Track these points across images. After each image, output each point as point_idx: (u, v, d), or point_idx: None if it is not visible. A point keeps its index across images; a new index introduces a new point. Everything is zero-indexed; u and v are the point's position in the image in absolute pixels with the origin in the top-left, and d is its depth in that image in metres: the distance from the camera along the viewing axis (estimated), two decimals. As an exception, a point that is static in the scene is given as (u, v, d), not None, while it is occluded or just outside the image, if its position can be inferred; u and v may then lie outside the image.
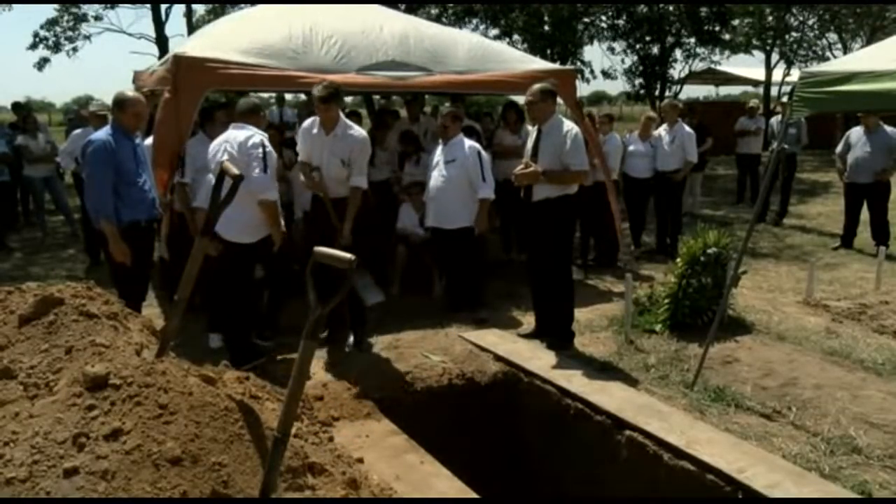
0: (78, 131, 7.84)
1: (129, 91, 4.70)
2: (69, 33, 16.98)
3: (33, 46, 16.85)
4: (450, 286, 5.79)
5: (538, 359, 4.50)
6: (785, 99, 13.71)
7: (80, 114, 9.74)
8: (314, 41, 5.61)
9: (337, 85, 4.54)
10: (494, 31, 17.79)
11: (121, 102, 4.46)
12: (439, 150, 5.68)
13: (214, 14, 18.46)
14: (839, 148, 8.27)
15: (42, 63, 17.07)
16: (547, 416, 4.16)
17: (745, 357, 4.56)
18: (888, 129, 7.87)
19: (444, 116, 5.73)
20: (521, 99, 5.99)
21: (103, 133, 4.43)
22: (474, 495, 3.14)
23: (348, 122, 4.61)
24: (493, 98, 13.55)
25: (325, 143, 4.52)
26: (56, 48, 16.98)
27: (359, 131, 4.61)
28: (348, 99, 11.66)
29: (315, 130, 4.58)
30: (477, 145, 5.66)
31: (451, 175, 5.49)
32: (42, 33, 16.80)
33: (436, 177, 5.60)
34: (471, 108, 11.35)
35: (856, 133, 8.07)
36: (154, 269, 4.99)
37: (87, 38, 17.40)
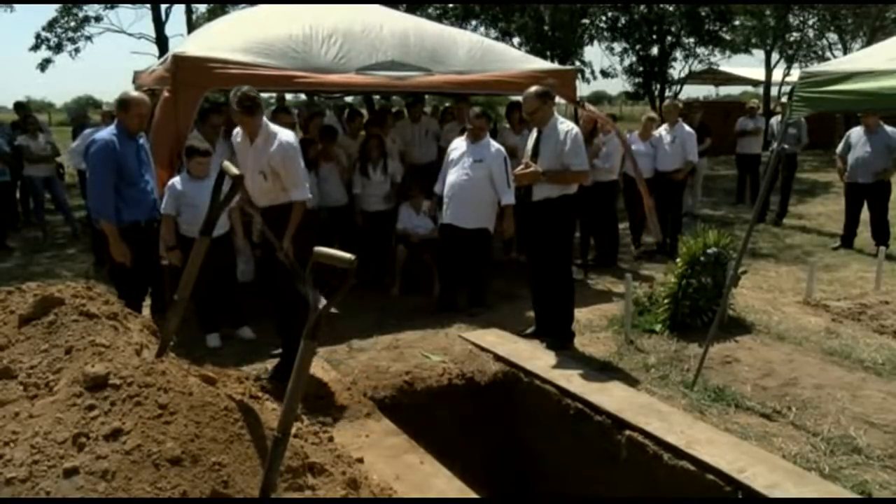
0: (89, 130, 7.88)
1: (134, 92, 4.70)
2: (70, 34, 16.97)
3: (35, 48, 16.86)
4: (444, 285, 5.79)
5: (538, 359, 4.50)
6: (785, 99, 13.70)
7: (81, 113, 9.78)
8: (314, 41, 5.61)
9: (256, 93, 4.13)
10: (494, 34, 17.79)
11: (124, 103, 4.45)
12: (464, 147, 5.61)
13: (214, 14, 18.46)
14: (839, 148, 8.28)
15: (45, 64, 17.07)
16: (547, 416, 4.16)
17: (745, 357, 4.56)
18: (888, 129, 7.87)
19: (477, 118, 5.60)
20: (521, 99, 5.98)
21: (106, 133, 4.42)
22: (474, 495, 3.14)
23: (274, 128, 4.23)
24: (492, 98, 13.54)
25: (249, 153, 4.22)
26: (58, 49, 16.98)
27: (282, 139, 4.14)
28: (348, 99, 11.67)
29: (240, 139, 4.33)
30: (503, 149, 5.63)
31: (476, 175, 5.45)
32: (44, 34, 16.81)
33: (458, 174, 5.53)
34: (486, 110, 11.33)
35: (856, 133, 8.07)
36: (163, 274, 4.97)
37: (89, 38, 17.41)
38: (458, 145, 5.69)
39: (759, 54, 24.55)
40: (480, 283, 5.74)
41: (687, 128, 7.77)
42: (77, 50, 17.23)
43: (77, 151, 7.94)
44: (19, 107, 11.01)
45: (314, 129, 6.85)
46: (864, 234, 8.11)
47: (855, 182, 8.02)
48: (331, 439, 2.93)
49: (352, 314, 5.33)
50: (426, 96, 9.54)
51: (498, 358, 4.58)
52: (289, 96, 13.95)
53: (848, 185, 8.17)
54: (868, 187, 7.89)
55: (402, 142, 7.51)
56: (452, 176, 5.58)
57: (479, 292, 5.71)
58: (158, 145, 4.97)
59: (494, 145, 5.61)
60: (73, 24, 16.91)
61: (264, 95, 5.17)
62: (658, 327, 5.03)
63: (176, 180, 4.82)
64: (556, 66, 7.63)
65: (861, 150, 7.92)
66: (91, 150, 4.38)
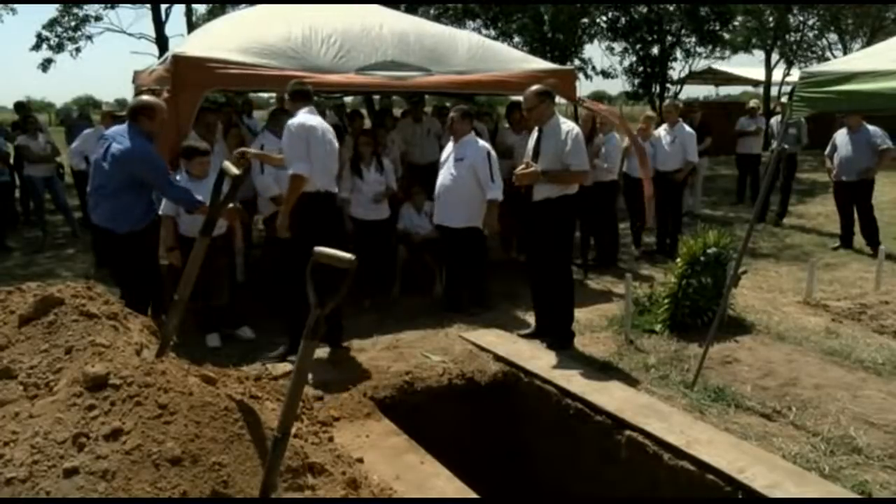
0: (89, 131, 7.91)
1: (149, 97, 4.67)
2: (70, 33, 16.96)
3: (36, 47, 16.84)
4: (449, 285, 5.79)
5: (538, 359, 4.50)
6: (785, 99, 13.71)
7: (70, 115, 9.83)
8: (314, 41, 5.61)
9: (299, 83, 4.72)
10: (493, 33, 17.79)
11: (149, 108, 4.37)
12: (450, 147, 5.62)
13: (214, 14, 18.45)
14: (828, 149, 8.36)
15: (46, 64, 17.07)
16: (547, 416, 4.16)
17: (745, 357, 4.56)
18: (871, 128, 7.94)
19: (453, 113, 5.59)
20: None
21: (137, 139, 4.28)
22: (474, 495, 3.14)
23: (298, 114, 4.59)
24: (493, 98, 13.54)
25: None
26: (59, 48, 16.97)
27: (289, 122, 4.56)
28: (348, 99, 11.66)
29: None
30: (487, 145, 5.61)
31: (460, 174, 5.44)
32: (44, 34, 16.80)
33: (444, 174, 5.55)
34: (470, 109, 11.30)
35: (841, 133, 8.16)
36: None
37: (89, 38, 17.39)
38: (448, 146, 5.71)
39: (759, 54, 24.56)
40: (479, 282, 5.73)
41: (687, 128, 7.77)
42: (78, 50, 17.24)
43: (77, 151, 7.94)
44: (19, 107, 11.04)
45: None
46: (862, 234, 8.12)
47: (840, 181, 8.08)
48: (331, 439, 2.93)
49: (352, 314, 5.33)
50: (426, 96, 9.52)
51: (498, 358, 4.58)
52: (289, 96, 13.91)
53: (835, 184, 8.25)
54: (853, 185, 7.94)
55: (401, 142, 7.50)
56: (440, 176, 5.61)
57: (478, 292, 5.70)
58: (158, 145, 4.97)
59: (478, 142, 5.57)
60: (73, 23, 16.90)
61: (264, 96, 5.21)
62: (658, 327, 5.02)
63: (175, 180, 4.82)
64: (555, 66, 7.62)
65: (845, 150, 7.99)
66: (139, 156, 4.25)
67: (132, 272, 4.43)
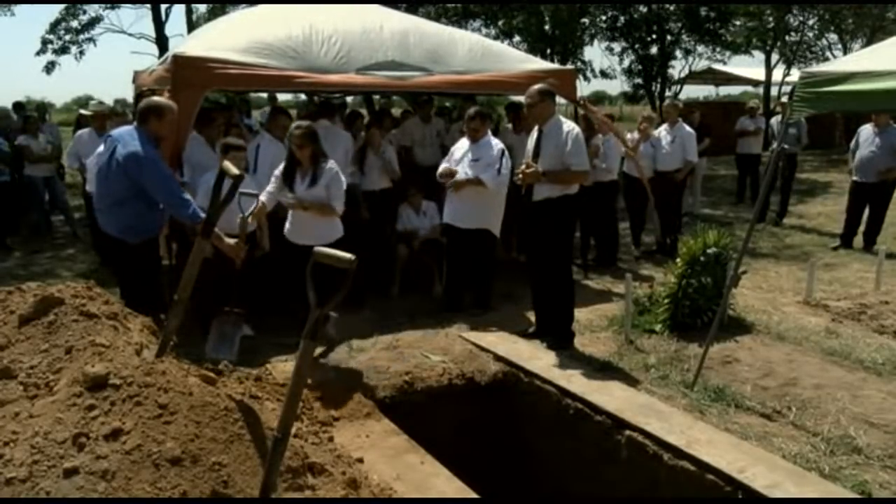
0: (83, 131, 7.91)
1: (159, 97, 4.54)
2: (74, 37, 16.95)
3: (41, 52, 16.85)
4: (448, 285, 5.78)
5: (538, 359, 4.50)
6: (785, 99, 13.71)
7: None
8: (314, 41, 5.60)
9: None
10: (493, 32, 17.78)
11: (159, 109, 4.14)
12: (465, 145, 5.56)
13: (214, 14, 18.45)
14: (852, 144, 8.24)
15: (50, 67, 17.09)
16: (547, 416, 4.16)
17: (745, 357, 4.56)
18: None
19: (471, 119, 5.49)
20: (522, 99, 5.94)
21: (145, 145, 4.05)
22: (474, 495, 3.14)
23: None
24: (493, 98, 13.54)
25: None
26: (63, 52, 16.97)
27: None
28: (349, 99, 11.64)
29: None
30: (502, 146, 5.54)
31: (474, 174, 5.38)
32: (48, 37, 16.81)
33: (458, 174, 5.49)
34: (486, 110, 11.20)
35: (865, 131, 8.03)
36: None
37: (92, 40, 17.38)
38: (462, 144, 5.66)
39: (759, 54, 24.53)
40: (485, 286, 5.70)
41: (687, 128, 7.76)
42: (82, 52, 17.24)
43: (71, 153, 7.96)
44: (18, 107, 11.03)
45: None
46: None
47: (859, 181, 8.00)
48: (331, 439, 2.93)
49: (352, 314, 5.32)
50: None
51: (498, 358, 4.58)
52: (289, 96, 13.93)
53: (853, 183, 8.15)
54: (871, 186, 7.87)
55: (398, 143, 7.47)
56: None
57: (483, 295, 5.68)
58: (164, 147, 4.97)
59: (494, 143, 5.52)
60: (75, 25, 16.89)
61: (264, 96, 5.23)
62: (658, 327, 5.02)
63: (207, 176, 4.87)
64: (555, 66, 7.62)
65: (867, 149, 7.88)
66: (145, 164, 3.98)
67: (141, 279, 4.40)
